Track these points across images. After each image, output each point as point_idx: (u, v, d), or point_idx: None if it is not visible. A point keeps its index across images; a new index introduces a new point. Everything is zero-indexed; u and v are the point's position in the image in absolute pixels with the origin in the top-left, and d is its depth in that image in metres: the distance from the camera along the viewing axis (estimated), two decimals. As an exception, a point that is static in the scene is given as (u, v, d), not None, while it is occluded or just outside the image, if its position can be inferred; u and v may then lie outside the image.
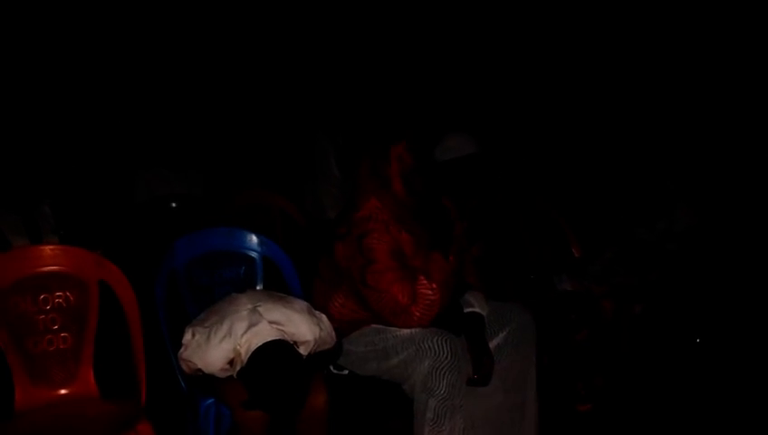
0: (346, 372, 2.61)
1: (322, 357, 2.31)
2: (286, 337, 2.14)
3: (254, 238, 2.77)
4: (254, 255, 2.77)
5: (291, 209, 3.80)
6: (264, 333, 2.10)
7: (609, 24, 5.33)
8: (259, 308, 2.18)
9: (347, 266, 2.45)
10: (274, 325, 2.13)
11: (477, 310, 2.57)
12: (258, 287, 2.78)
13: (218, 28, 5.25)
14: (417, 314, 2.38)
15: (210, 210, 3.72)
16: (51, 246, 2.35)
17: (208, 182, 4.61)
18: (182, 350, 2.14)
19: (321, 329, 2.23)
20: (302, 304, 2.28)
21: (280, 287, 2.75)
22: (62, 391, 2.31)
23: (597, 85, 5.37)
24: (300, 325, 2.17)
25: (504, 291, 3.12)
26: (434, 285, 2.41)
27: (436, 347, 2.34)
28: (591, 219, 4.20)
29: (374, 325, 2.54)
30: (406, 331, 2.44)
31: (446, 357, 2.33)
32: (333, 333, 2.32)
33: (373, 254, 2.39)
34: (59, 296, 2.33)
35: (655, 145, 4.67)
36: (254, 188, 4.02)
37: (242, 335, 2.09)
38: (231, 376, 2.15)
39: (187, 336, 2.15)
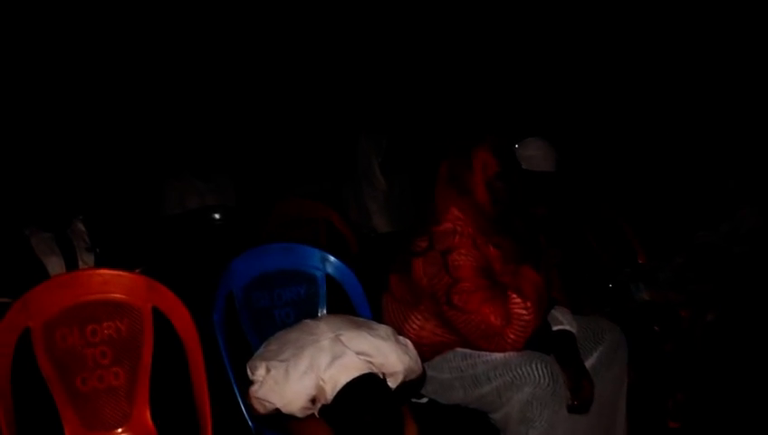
0: (425, 400, 2.35)
1: (409, 388, 2.02)
2: (374, 369, 1.88)
3: (317, 255, 2.50)
4: (316, 273, 2.51)
5: (336, 220, 3.51)
6: (350, 367, 1.83)
7: (666, 27, 5.06)
8: (341, 337, 1.91)
9: (429, 285, 2.20)
10: (361, 356, 1.86)
11: (567, 327, 2.35)
12: (321, 308, 2.54)
13: (248, 26, 4.97)
14: (512, 336, 2.13)
15: (250, 223, 3.43)
16: (98, 271, 2.10)
17: (239, 191, 4.31)
18: (255, 387, 1.86)
19: (410, 358, 1.96)
20: (386, 329, 2.01)
21: (345, 308, 2.52)
22: (117, 433, 2.04)
23: (658, 88, 5.11)
24: (389, 355, 1.90)
25: (581, 303, 2.84)
26: (528, 303, 2.16)
27: (535, 373, 2.13)
28: (654, 224, 3.93)
29: (459, 349, 2.31)
30: (498, 355, 2.22)
31: (547, 384, 2.12)
32: (419, 360, 2.05)
33: (460, 271, 2.15)
34: (109, 327, 2.08)
35: (715, 145, 4.41)
36: (296, 198, 3.71)
37: (325, 369, 1.82)
38: (311, 414, 1.85)
39: (260, 372, 1.87)
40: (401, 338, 2.06)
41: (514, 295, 2.21)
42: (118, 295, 2.06)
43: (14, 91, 4.38)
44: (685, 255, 3.67)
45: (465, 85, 5.17)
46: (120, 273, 2.07)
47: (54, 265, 2.78)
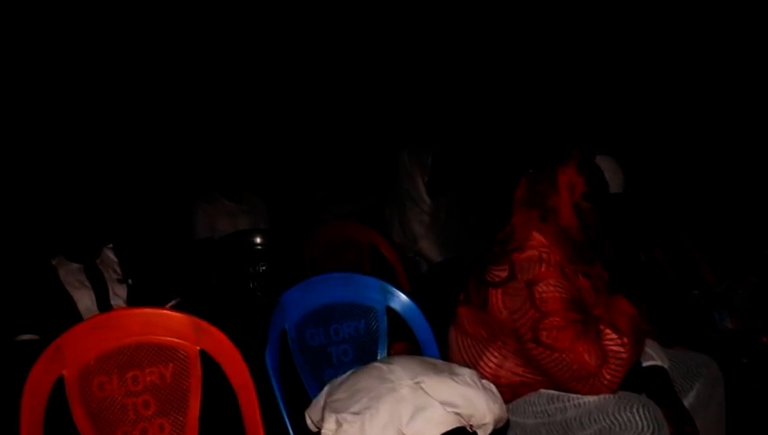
0: (507, 448, 2.06)
1: (494, 438, 1.76)
2: (463, 422, 1.61)
3: (376, 285, 2.25)
4: (376, 305, 2.25)
5: (382, 244, 3.25)
6: (436, 420, 1.58)
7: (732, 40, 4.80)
8: (423, 384, 1.64)
9: (510, 320, 1.96)
10: (448, 408, 1.59)
11: (659, 363, 2.11)
12: (382, 345, 2.30)
13: (282, 41, 4.74)
14: (608, 377, 1.88)
15: (289, 248, 3.17)
16: (138, 310, 1.85)
17: (272, 212, 4.06)
18: (326, 444, 1.58)
19: (498, 405, 1.70)
20: (470, 373, 1.74)
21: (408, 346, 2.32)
22: (162, 495, 1.75)
23: (723, 104, 4.83)
24: (477, 405, 1.64)
25: (664, 334, 2.56)
26: (624, 340, 1.91)
27: (636, 419, 1.86)
28: (717, 241, 3.66)
29: (543, 391, 2.06)
30: (591, 398, 1.97)
31: (650, 430, 1.85)
32: (504, 405, 1.78)
33: (548, 305, 1.91)
34: (152, 373, 1.83)
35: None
36: (338, 220, 3.45)
37: (408, 424, 1.56)
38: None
39: (329, 426, 1.61)
40: (485, 382, 1.79)
41: (609, 331, 1.95)
42: (161, 338, 1.82)
43: (39, 115, 4.25)
44: (758, 274, 3.38)
45: (518, 96, 4.89)
46: (164, 312, 1.84)
47: (84, 299, 2.54)
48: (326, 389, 1.85)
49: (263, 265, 3.23)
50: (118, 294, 2.61)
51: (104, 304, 2.56)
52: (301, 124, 4.92)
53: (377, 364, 1.84)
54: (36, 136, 4.04)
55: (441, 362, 1.91)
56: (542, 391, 2.05)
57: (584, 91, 4.98)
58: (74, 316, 2.51)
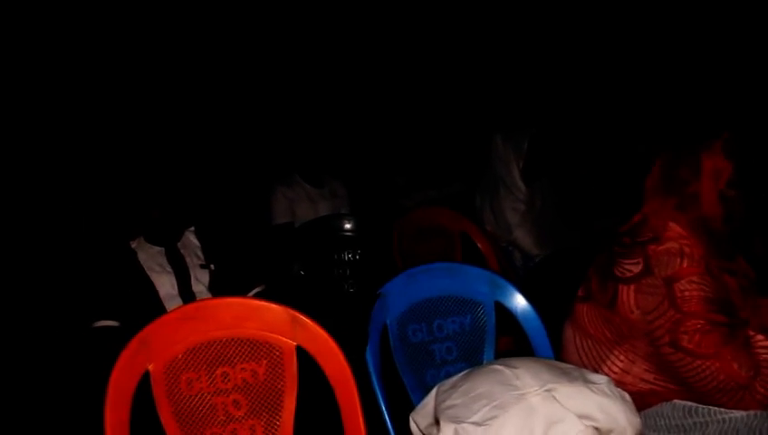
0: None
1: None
2: (602, 437, 1.34)
3: (485, 277, 2.00)
4: (484, 300, 2.00)
5: (475, 233, 3.00)
6: (574, 435, 1.30)
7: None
8: (555, 393, 1.39)
9: (643, 320, 1.71)
10: (585, 420, 1.33)
11: None
12: (489, 344, 2.07)
13: (360, 20, 4.51)
14: (761, 390, 1.63)
15: (376, 235, 2.95)
16: (230, 300, 1.67)
17: (352, 197, 3.85)
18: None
19: (637, 418, 1.43)
20: (606, 381, 1.49)
21: (519, 345, 2.08)
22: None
23: None
24: (618, 417, 1.39)
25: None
26: (779, 347, 1.58)
27: None
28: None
29: (678, 401, 1.80)
30: (738, 414, 1.71)
31: None
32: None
33: (692, 305, 1.65)
34: (243, 370, 1.65)
35: None
36: (428, 207, 3.22)
37: (541, 438, 1.29)
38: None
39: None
40: (619, 390, 1.53)
41: (761, 337, 1.69)
42: (255, 331, 1.62)
43: (117, 95, 4.18)
44: None
45: (625, 74, 4.55)
46: (259, 303, 1.64)
47: (165, 284, 2.37)
48: (434, 392, 1.63)
49: (351, 253, 3.01)
50: (200, 279, 2.44)
51: (186, 290, 2.40)
52: (382, 107, 4.68)
53: (496, 367, 1.61)
54: (116, 115, 3.92)
55: (568, 365, 1.66)
56: (677, 401, 1.80)
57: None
58: (154, 302, 2.35)
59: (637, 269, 1.76)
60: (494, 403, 1.48)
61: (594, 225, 3.93)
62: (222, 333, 1.61)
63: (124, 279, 2.37)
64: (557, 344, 2.05)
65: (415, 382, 1.93)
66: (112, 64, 4.24)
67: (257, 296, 2.53)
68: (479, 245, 3.16)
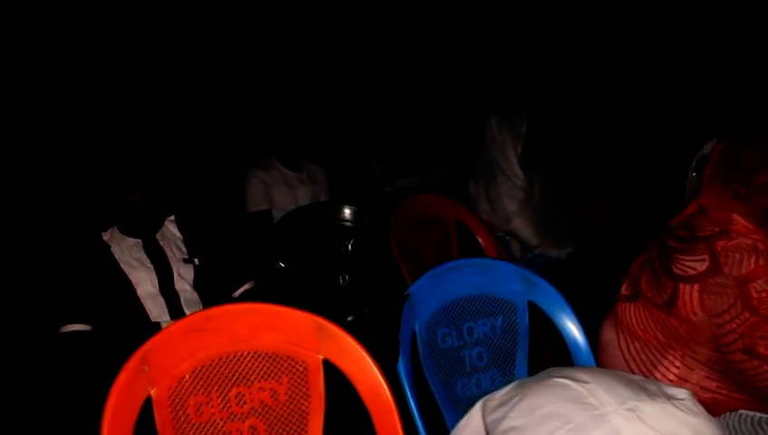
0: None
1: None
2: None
3: (517, 274, 1.78)
4: (516, 299, 1.78)
5: (472, 222, 2.77)
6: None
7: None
8: (639, 413, 1.14)
9: (710, 324, 1.51)
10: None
11: None
12: (522, 348, 1.85)
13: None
14: None
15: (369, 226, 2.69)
16: (242, 306, 1.42)
17: (332, 185, 3.57)
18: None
19: None
20: (688, 396, 1.25)
21: (557, 352, 1.84)
22: None
23: None
24: None
25: None
26: None
27: None
28: None
29: (745, 411, 1.61)
30: (822, 430, 1.44)
31: None
32: None
33: None
34: (261, 390, 1.38)
35: None
36: (424, 194, 2.98)
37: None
38: None
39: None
40: (699, 405, 1.31)
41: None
42: (274, 344, 1.34)
43: (92, 84, 3.88)
44: None
45: (625, 55, 4.35)
46: (279, 309, 1.38)
47: (144, 281, 2.08)
48: (478, 408, 1.37)
49: (343, 244, 2.75)
50: (183, 275, 2.15)
51: (168, 288, 2.12)
52: (361, 88, 4.39)
53: (560, 380, 1.36)
54: (87, 100, 3.57)
55: (638, 377, 1.43)
56: (743, 412, 1.61)
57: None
58: (132, 302, 2.05)
59: (701, 267, 1.55)
60: (570, 425, 1.23)
61: (580, 211, 3.75)
62: (236, 346, 1.34)
63: (96, 276, 2.06)
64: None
65: (445, 394, 1.69)
66: (84, 47, 3.89)
67: (247, 294, 2.25)
68: (477, 235, 2.93)
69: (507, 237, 3.31)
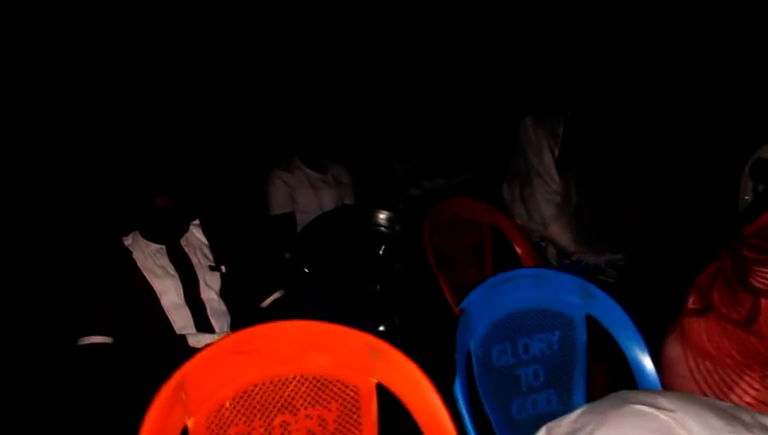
0: None
1: None
2: None
3: (575, 286, 1.63)
4: (573, 313, 1.62)
5: (508, 227, 2.62)
6: None
7: None
8: None
9: None
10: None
11: None
12: (580, 366, 1.70)
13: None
14: None
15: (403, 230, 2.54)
16: (292, 325, 1.26)
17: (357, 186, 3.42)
18: None
19: None
20: None
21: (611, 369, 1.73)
22: None
23: None
24: None
25: None
26: None
27: None
28: None
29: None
30: None
31: None
32: None
33: None
34: (308, 417, 1.25)
35: None
36: (458, 198, 2.82)
37: None
38: None
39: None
40: None
41: None
42: (323, 367, 1.19)
43: (114, 85, 3.79)
44: None
45: (650, 54, 4.18)
46: (326, 327, 1.23)
47: (169, 290, 1.93)
48: (542, 433, 1.21)
49: (374, 248, 2.59)
50: (209, 284, 2.00)
51: (194, 298, 1.97)
52: (385, 87, 4.23)
53: (640, 407, 1.18)
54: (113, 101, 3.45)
55: (729, 404, 1.26)
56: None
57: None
58: (156, 313, 1.90)
59: None
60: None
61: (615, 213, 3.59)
62: (280, 370, 1.20)
63: (117, 284, 1.91)
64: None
65: (501, 417, 1.54)
66: (103, 53, 3.80)
67: (276, 303, 2.10)
68: (513, 241, 2.77)
69: (543, 243, 3.14)
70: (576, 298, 1.69)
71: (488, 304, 1.59)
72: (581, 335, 1.69)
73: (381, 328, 2.63)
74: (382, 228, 2.70)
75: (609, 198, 3.42)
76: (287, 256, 3.20)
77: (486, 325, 1.57)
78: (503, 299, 1.62)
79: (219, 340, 1.17)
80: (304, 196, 3.25)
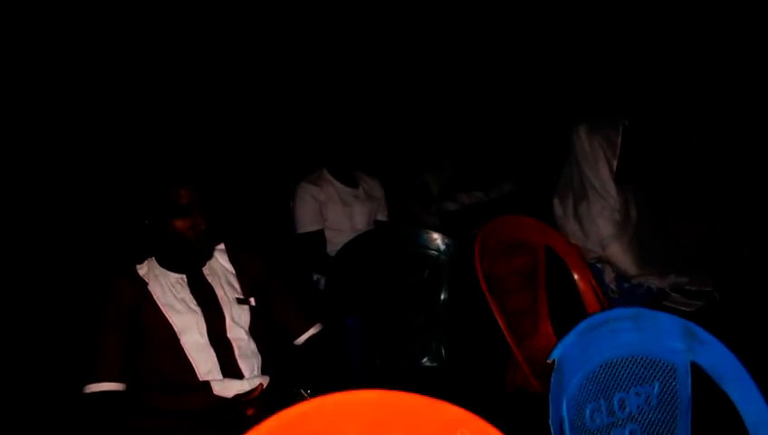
0: None
1: None
2: None
3: (678, 328, 1.38)
4: (676, 360, 1.39)
5: (563, 249, 2.35)
6: None
7: None
8: None
9: None
10: None
11: None
12: (683, 423, 1.45)
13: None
14: None
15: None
16: (359, 395, 0.96)
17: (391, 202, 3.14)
18: None
19: None
20: None
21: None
22: None
23: None
24: None
25: None
26: None
27: None
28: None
29: None
30: None
31: None
32: None
33: None
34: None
35: None
36: (510, 215, 2.53)
37: None
38: None
39: None
40: None
41: None
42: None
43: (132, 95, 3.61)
44: None
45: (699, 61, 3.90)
46: (412, 400, 0.95)
47: (191, 329, 1.66)
48: None
49: (417, 274, 2.31)
50: (237, 321, 1.71)
51: (219, 337, 1.68)
52: (416, 95, 3.96)
53: None
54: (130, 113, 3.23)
55: None
56: None
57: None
58: (176, 355, 1.62)
59: None
60: None
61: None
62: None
63: (131, 322, 1.62)
64: None
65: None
66: (121, 64, 3.67)
67: (313, 341, 1.81)
68: (569, 264, 2.48)
69: (599, 265, 2.83)
70: (679, 343, 1.44)
71: (582, 354, 1.30)
72: (685, 387, 1.43)
73: (425, 362, 2.34)
74: (429, 250, 2.41)
75: (666, 213, 3.11)
76: (315, 277, 2.93)
77: (580, 380, 1.28)
78: (597, 346, 1.34)
79: (259, 426, 0.87)
80: (334, 212, 2.99)
